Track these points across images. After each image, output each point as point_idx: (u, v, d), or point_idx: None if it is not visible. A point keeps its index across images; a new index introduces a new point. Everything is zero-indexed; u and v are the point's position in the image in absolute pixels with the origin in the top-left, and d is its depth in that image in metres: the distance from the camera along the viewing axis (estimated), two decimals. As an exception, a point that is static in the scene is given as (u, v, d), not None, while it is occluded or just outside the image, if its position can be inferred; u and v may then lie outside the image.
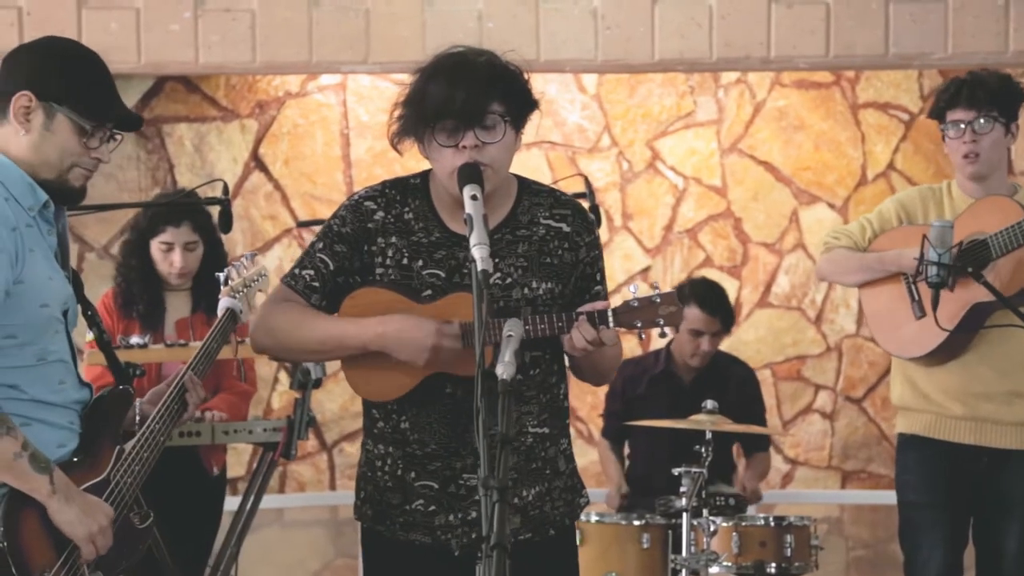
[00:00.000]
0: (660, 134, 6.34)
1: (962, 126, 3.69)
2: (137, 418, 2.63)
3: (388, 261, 2.70)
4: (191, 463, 4.13)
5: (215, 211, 4.26)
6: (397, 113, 2.70)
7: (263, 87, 6.15)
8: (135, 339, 3.90)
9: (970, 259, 3.55)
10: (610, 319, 2.63)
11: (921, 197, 3.83)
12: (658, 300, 2.67)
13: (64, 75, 2.50)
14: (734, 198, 6.35)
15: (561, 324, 2.64)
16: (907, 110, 6.33)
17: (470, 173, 2.63)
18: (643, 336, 2.74)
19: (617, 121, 6.32)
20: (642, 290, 2.70)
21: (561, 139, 6.29)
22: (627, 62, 5.39)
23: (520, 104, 2.68)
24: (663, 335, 2.73)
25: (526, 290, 2.70)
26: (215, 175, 5.94)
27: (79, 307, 2.65)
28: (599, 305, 2.66)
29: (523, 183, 2.80)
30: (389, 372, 2.66)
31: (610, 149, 6.32)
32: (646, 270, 6.33)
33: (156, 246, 4.25)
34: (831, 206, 6.34)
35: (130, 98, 5.94)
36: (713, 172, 6.34)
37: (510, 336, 2.49)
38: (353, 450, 6.25)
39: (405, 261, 2.70)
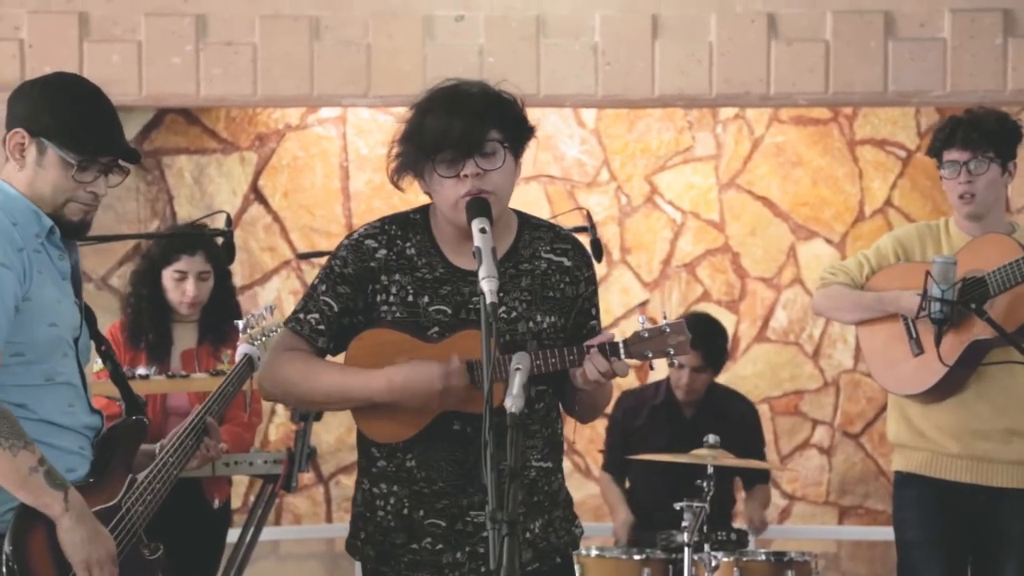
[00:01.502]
0: (658, 169, 6.37)
1: (958, 167, 3.70)
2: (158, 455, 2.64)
3: (392, 298, 2.70)
4: (194, 495, 4.11)
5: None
6: (395, 151, 2.71)
7: (263, 120, 6.18)
8: (140, 370, 3.90)
9: (968, 296, 3.56)
10: (621, 350, 2.64)
11: (919, 234, 3.84)
12: (667, 330, 2.69)
13: (54, 111, 2.53)
14: (732, 233, 6.37)
15: (573, 357, 2.65)
16: (904, 147, 6.37)
17: (479, 206, 2.64)
18: (653, 367, 2.75)
19: (616, 156, 6.35)
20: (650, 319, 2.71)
21: (560, 173, 6.31)
22: (627, 97, 5.42)
23: (517, 130, 2.70)
24: (672, 364, 2.74)
25: (531, 324, 2.71)
26: (214, 207, 5.95)
27: (92, 342, 2.66)
28: (606, 336, 2.67)
29: (522, 217, 2.81)
30: (399, 414, 2.66)
31: (609, 183, 6.35)
32: (644, 304, 6.35)
33: (169, 275, 4.25)
34: (829, 241, 6.36)
35: (131, 130, 5.95)
36: (711, 207, 6.37)
37: (518, 369, 2.50)
38: (349, 482, 6.24)
39: (410, 298, 2.70)
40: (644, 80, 5.35)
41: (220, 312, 4.30)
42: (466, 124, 2.61)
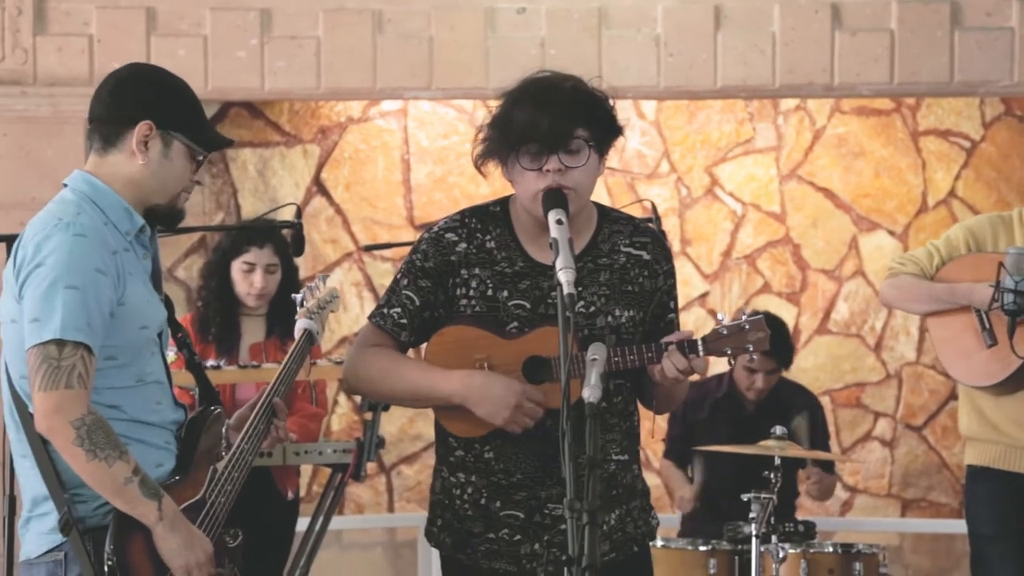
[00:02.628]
0: (719, 160, 6.35)
1: None
2: (224, 442, 2.67)
3: (472, 292, 2.72)
4: (267, 488, 4.15)
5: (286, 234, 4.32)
6: (482, 135, 2.72)
7: (325, 112, 6.22)
8: (211, 362, 3.95)
9: (1046, 286, 3.53)
10: (700, 348, 2.65)
11: (991, 224, 3.81)
12: (747, 327, 2.69)
13: (179, 104, 2.56)
14: (793, 224, 6.34)
15: (651, 355, 2.66)
16: (969, 137, 6.31)
17: (555, 198, 2.65)
18: (732, 363, 2.75)
19: (676, 147, 6.34)
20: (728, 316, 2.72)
21: (620, 165, 6.31)
22: (689, 89, 5.41)
23: (605, 130, 2.70)
24: (752, 360, 2.75)
25: (609, 318, 2.72)
26: (277, 200, 6.01)
27: (169, 330, 2.70)
28: (684, 334, 2.68)
29: (602, 211, 2.82)
30: (475, 414, 2.69)
31: (669, 175, 6.33)
32: (704, 296, 6.33)
33: (238, 267, 4.30)
34: (891, 233, 6.32)
35: (195, 123, 6.02)
36: (772, 198, 6.34)
37: (594, 360, 2.51)
38: (411, 472, 6.28)
39: (490, 292, 2.71)
40: (706, 71, 5.34)
41: (287, 306, 4.33)
42: (554, 119, 2.62)
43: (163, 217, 2.60)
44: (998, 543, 3.71)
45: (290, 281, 4.35)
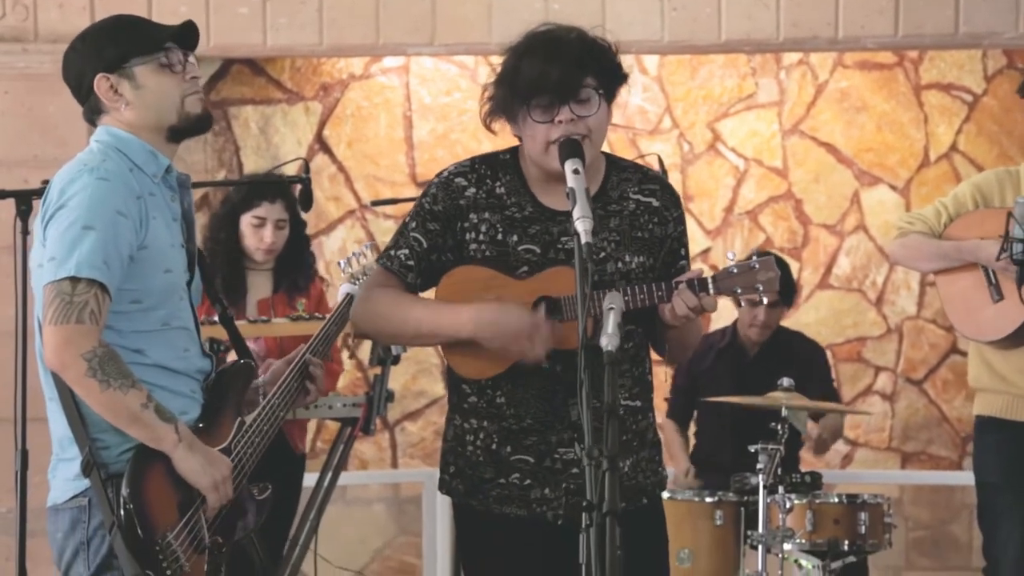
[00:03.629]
0: (721, 116, 6.34)
1: None
2: (260, 398, 2.68)
3: (482, 236, 2.73)
4: (279, 442, 4.14)
5: (295, 189, 4.32)
6: (488, 93, 2.72)
7: (327, 70, 6.20)
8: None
9: (1055, 238, 3.54)
10: (710, 285, 2.65)
11: (998, 180, 3.81)
12: (756, 266, 2.68)
13: (112, 40, 2.56)
14: (795, 180, 6.35)
15: (661, 293, 2.66)
16: (971, 91, 6.30)
17: (571, 148, 2.65)
18: (741, 303, 2.75)
19: (678, 103, 6.33)
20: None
21: (622, 121, 6.30)
22: (693, 43, 5.39)
23: (612, 77, 2.71)
24: (761, 301, 2.76)
25: (620, 264, 2.73)
26: (280, 157, 6.00)
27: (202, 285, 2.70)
28: (694, 272, 2.68)
29: (610, 159, 2.83)
30: (487, 351, 2.69)
31: (671, 131, 6.33)
32: (706, 251, 6.34)
33: (248, 220, 4.29)
34: (893, 188, 6.33)
35: (196, 81, 6.00)
36: (774, 154, 6.34)
37: (611, 308, 2.52)
38: (415, 429, 6.31)
39: (500, 236, 2.72)
40: (710, 25, 5.32)
41: (295, 262, 4.35)
42: (563, 70, 2.63)
43: (188, 130, 2.60)
44: (1006, 492, 3.74)
45: (298, 237, 4.36)
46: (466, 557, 2.84)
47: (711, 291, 2.65)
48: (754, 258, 2.70)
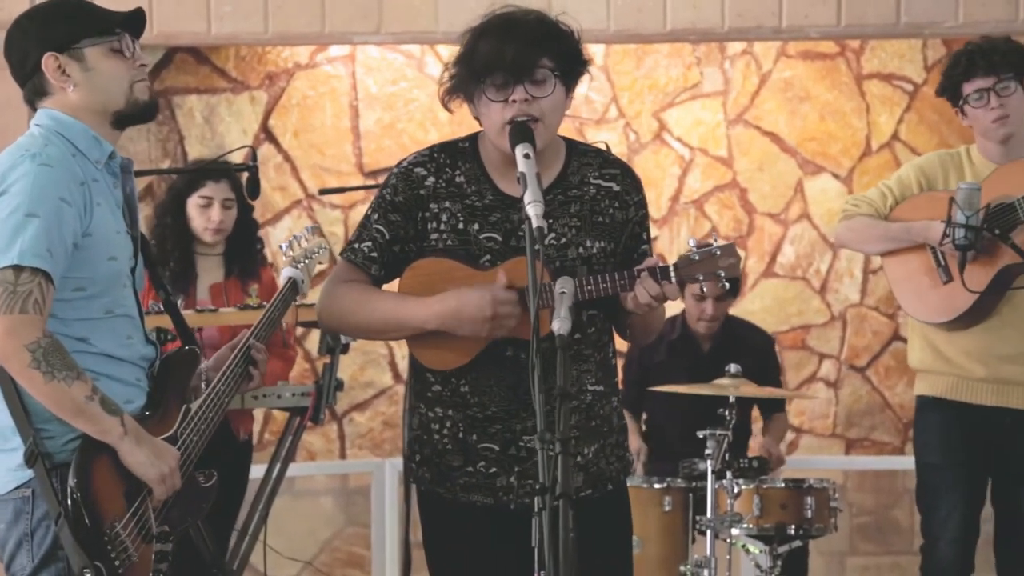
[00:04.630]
0: (667, 105, 6.37)
1: (985, 94, 3.70)
2: (203, 384, 2.66)
3: (443, 226, 2.72)
4: (221, 428, 4.11)
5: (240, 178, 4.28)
6: (448, 73, 2.72)
7: (272, 58, 6.16)
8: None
9: (996, 222, 3.60)
10: (672, 273, 2.66)
11: (941, 163, 3.85)
12: (718, 252, 2.69)
13: (64, 19, 2.53)
14: (740, 169, 6.39)
15: (624, 282, 2.66)
16: (911, 81, 6.38)
17: (522, 132, 2.66)
18: (703, 289, 2.77)
19: (624, 92, 6.36)
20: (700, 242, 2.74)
21: (569, 110, 6.29)
22: (639, 32, 5.42)
23: (570, 62, 2.70)
24: (723, 287, 2.77)
25: (580, 249, 2.73)
26: (225, 147, 5.95)
27: (146, 271, 2.68)
28: (653, 261, 2.69)
29: (571, 144, 2.83)
30: (451, 342, 2.69)
31: (617, 120, 6.35)
32: (653, 240, 6.36)
33: (194, 202, 4.25)
34: (836, 176, 6.39)
35: (140, 69, 5.93)
36: (719, 143, 6.39)
37: (563, 293, 2.53)
38: (363, 419, 6.29)
39: (461, 225, 2.72)
40: (655, 15, 5.35)
41: (244, 244, 4.31)
42: (518, 49, 2.63)
43: (134, 116, 2.58)
44: (945, 471, 3.79)
45: (246, 220, 4.32)
46: (431, 545, 2.84)
47: (673, 279, 2.66)
48: (715, 244, 2.70)
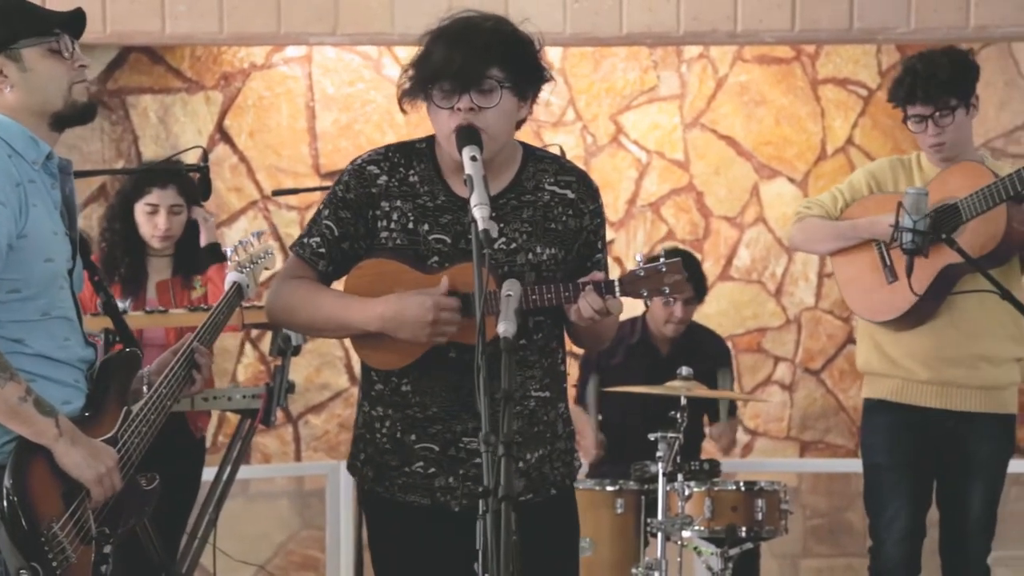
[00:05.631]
0: (624, 108, 6.39)
1: (923, 120, 3.77)
2: (144, 388, 2.64)
3: (393, 225, 2.72)
4: (177, 426, 4.11)
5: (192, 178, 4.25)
6: (406, 75, 2.71)
7: (228, 59, 6.13)
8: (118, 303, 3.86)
9: (941, 223, 3.64)
10: (616, 288, 2.67)
11: (891, 167, 3.92)
12: (664, 269, 2.70)
13: (0, 19, 2.50)
14: (696, 172, 6.42)
15: (568, 294, 2.67)
16: (866, 86, 6.43)
17: (469, 134, 2.65)
18: (648, 304, 2.78)
19: (581, 95, 6.37)
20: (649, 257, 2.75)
21: (527, 117, 6.31)
22: (595, 35, 5.43)
23: (524, 73, 2.68)
24: (668, 303, 2.78)
25: (530, 255, 2.73)
26: (179, 147, 5.91)
27: (84, 272, 2.65)
28: (598, 276, 2.69)
29: (528, 150, 2.82)
30: (396, 343, 2.69)
31: (574, 123, 6.37)
32: (609, 243, 6.39)
33: (141, 208, 4.25)
34: (791, 180, 6.43)
35: (94, 69, 5.86)
36: (676, 146, 6.41)
37: (509, 295, 2.53)
38: (318, 422, 6.27)
39: (411, 225, 2.72)
40: (612, 18, 5.36)
41: (194, 246, 4.31)
42: (467, 57, 2.62)
43: (72, 117, 2.55)
44: (891, 472, 3.83)
45: (195, 224, 4.32)
46: (372, 543, 2.84)
47: (617, 294, 2.67)
48: (662, 260, 2.71)
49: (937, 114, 3.74)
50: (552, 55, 6.32)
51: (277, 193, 4.60)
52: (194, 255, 4.29)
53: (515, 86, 2.67)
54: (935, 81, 3.73)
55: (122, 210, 4.28)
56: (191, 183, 4.24)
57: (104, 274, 4.17)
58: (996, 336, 3.77)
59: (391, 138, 6.04)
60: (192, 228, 4.30)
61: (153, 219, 4.23)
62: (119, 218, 4.27)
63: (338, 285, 2.82)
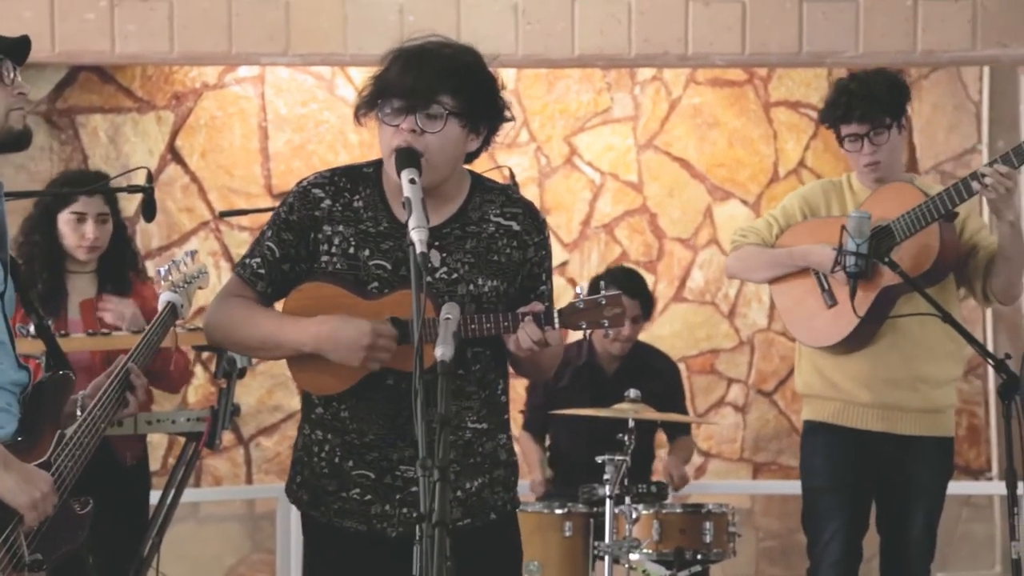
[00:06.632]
0: (578, 130, 6.41)
1: (859, 139, 3.80)
2: (78, 411, 2.61)
3: (334, 249, 2.71)
4: (103, 454, 3.97)
5: (137, 199, 4.20)
6: (366, 87, 2.72)
7: (180, 78, 6.10)
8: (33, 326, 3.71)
9: (875, 245, 3.66)
10: (556, 320, 2.67)
11: (823, 191, 3.94)
12: (603, 302, 2.71)
13: None
14: (650, 194, 6.44)
15: (507, 324, 2.66)
16: (817, 108, 6.42)
17: (408, 157, 2.64)
18: (586, 336, 2.78)
19: (535, 117, 6.38)
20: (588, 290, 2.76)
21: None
22: (547, 57, 5.44)
23: (476, 105, 2.67)
24: (607, 336, 2.79)
25: (471, 287, 2.72)
26: (130, 167, 5.87)
27: (16, 294, 2.62)
28: (538, 307, 2.69)
29: (477, 180, 2.81)
30: (332, 367, 2.67)
31: (528, 144, 6.37)
32: (563, 265, 6.40)
33: (66, 218, 4.04)
34: (744, 202, 6.46)
35: (43, 88, 5.85)
36: (629, 168, 6.43)
37: (448, 319, 2.52)
38: (270, 444, 6.22)
39: (352, 250, 2.71)
40: (564, 40, 5.38)
41: (119, 261, 4.12)
42: (419, 80, 2.62)
43: (6, 144, 2.52)
44: (830, 495, 3.84)
45: (121, 235, 4.13)
46: (308, 567, 2.82)
47: (556, 325, 2.67)
48: (602, 293, 2.73)
49: (872, 132, 3.77)
50: (506, 76, 6.30)
51: (225, 214, 4.56)
52: (122, 271, 4.11)
53: (463, 117, 2.66)
54: (871, 99, 3.77)
55: (43, 221, 4.06)
56: (116, 196, 4.12)
57: (21, 292, 4.01)
58: (935, 356, 3.79)
59: (344, 159, 6.02)
60: (117, 241, 4.10)
61: (80, 228, 4.04)
62: (39, 230, 4.06)
63: (278, 307, 2.81)
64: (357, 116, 2.72)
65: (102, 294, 4.08)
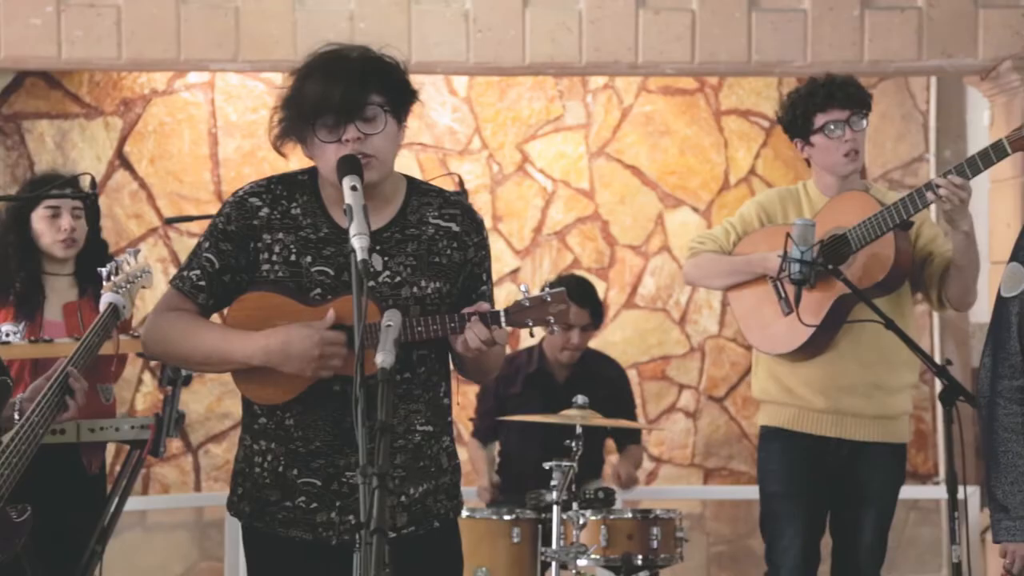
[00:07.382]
0: (530, 137, 6.42)
1: (841, 125, 3.76)
2: (16, 415, 2.58)
3: (275, 257, 2.70)
4: (68, 461, 3.95)
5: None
6: (277, 117, 2.70)
7: (128, 84, 6.05)
8: (7, 327, 3.62)
9: (831, 253, 3.69)
10: (502, 319, 2.68)
11: (780, 198, 3.95)
12: (549, 299, 2.73)
13: None
14: (602, 201, 6.46)
15: (454, 324, 2.67)
16: (767, 117, 6.52)
17: (350, 164, 2.64)
18: (533, 335, 2.80)
19: (487, 124, 6.39)
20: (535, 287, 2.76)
21: (432, 141, 6.32)
22: (498, 65, 5.45)
23: (399, 95, 2.70)
24: (552, 332, 2.80)
25: (415, 289, 2.72)
26: (77, 172, 5.81)
27: None
28: (484, 307, 2.69)
29: (412, 183, 2.82)
30: (278, 377, 2.66)
31: (480, 151, 6.38)
32: (515, 272, 6.40)
33: (40, 215, 4.00)
34: (695, 210, 6.49)
35: (-12, 92, 5.80)
36: (581, 175, 6.45)
37: (389, 326, 2.52)
38: (219, 451, 6.18)
39: (293, 257, 2.70)
40: (515, 48, 5.38)
41: (96, 260, 3.98)
42: (346, 89, 2.62)
43: None
44: (787, 500, 3.86)
45: (96, 237, 4.07)
46: None
47: (503, 324, 2.68)
48: (547, 290, 2.75)
49: (853, 117, 3.77)
50: (458, 84, 6.33)
51: (170, 221, 4.53)
52: (97, 272, 4.07)
53: (394, 110, 2.69)
54: (851, 86, 3.79)
55: (17, 221, 4.00)
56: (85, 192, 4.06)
57: None
58: (891, 363, 3.82)
59: (294, 165, 5.96)
60: (93, 243, 4.05)
61: (56, 222, 3.99)
62: (13, 230, 4.00)
63: (217, 318, 2.79)
64: (277, 146, 2.71)
65: (86, 296, 4.02)
